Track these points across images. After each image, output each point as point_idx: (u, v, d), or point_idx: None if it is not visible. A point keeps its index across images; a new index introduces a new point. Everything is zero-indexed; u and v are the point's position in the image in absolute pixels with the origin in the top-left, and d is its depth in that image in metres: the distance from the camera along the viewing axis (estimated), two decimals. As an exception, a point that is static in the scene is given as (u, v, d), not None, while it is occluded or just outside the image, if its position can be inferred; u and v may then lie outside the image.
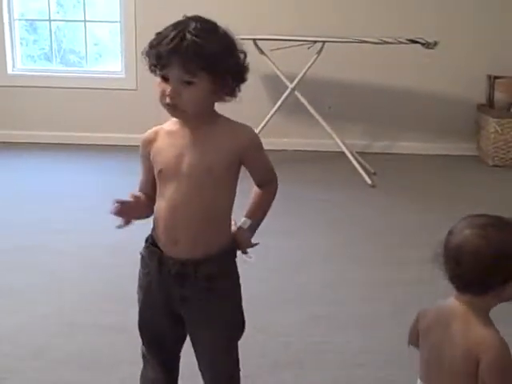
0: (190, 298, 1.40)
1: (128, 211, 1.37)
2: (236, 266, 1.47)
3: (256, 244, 1.48)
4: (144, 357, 1.53)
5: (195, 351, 1.48)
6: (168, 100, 1.31)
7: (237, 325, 1.48)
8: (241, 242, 1.45)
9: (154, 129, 1.44)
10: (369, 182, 4.03)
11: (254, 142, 1.41)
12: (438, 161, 4.74)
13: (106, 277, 2.66)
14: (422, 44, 3.91)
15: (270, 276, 2.68)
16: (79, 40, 5.13)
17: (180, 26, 1.30)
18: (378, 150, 4.92)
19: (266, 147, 1.45)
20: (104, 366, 2.02)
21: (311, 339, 2.21)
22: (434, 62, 4.60)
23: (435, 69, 4.75)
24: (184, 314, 1.44)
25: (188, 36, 1.27)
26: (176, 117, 1.38)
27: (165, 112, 1.38)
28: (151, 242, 1.43)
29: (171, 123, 1.42)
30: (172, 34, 1.28)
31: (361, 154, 4.42)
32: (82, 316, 2.35)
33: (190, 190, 1.36)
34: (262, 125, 4.13)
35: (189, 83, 1.30)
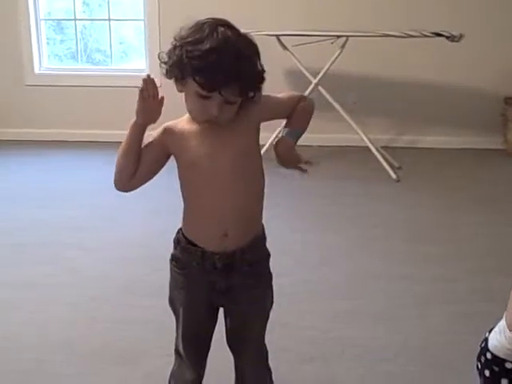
0: (236, 285, 1.42)
1: (151, 93, 1.33)
2: (267, 248, 1.49)
3: (306, 161, 1.44)
4: (180, 357, 1.55)
5: (237, 335, 1.51)
6: (213, 116, 1.30)
7: (271, 301, 1.53)
8: (284, 150, 1.41)
9: (172, 123, 1.41)
10: (393, 176, 4.01)
11: (264, 97, 1.39)
12: (464, 155, 4.69)
13: (129, 272, 2.69)
14: (447, 37, 3.86)
15: (294, 270, 2.68)
16: (105, 39, 5.18)
17: (227, 43, 1.26)
18: (403, 144, 4.88)
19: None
20: (128, 360, 2.05)
21: (334, 333, 2.22)
22: (459, 55, 4.54)
23: (461, 62, 4.69)
24: (227, 303, 1.46)
25: (244, 59, 1.27)
26: (208, 125, 1.36)
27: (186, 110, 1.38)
28: (187, 242, 1.43)
29: (186, 122, 1.39)
30: (228, 57, 1.25)
31: (386, 148, 4.39)
32: (107, 310, 2.38)
33: (233, 182, 1.37)
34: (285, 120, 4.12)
35: (231, 103, 1.31)
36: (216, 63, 1.24)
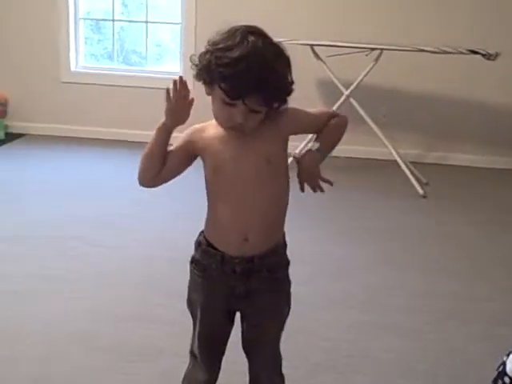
0: (254, 290, 1.43)
1: (182, 95, 1.35)
2: (287, 256, 1.50)
3: (326, 180, 1.43)
4: (194, 358, 1.56)
5: (252, 340, 1.52)
6: (237, 124, 1.32)
7: (288, 308, 1.53)
8: (310, 163, 1.42)
9: (200, 126, 1.43)
10: (420, 192, 3.99)
11: (295, 111, 1.41)
12: (492, 174, 4.65)
13: (150, 271, 2.72)
14: (483, 55, 3.83)
15: (312, 280, 2.69)
16: (141, 41, 5.25)
17: (256, 52, 1.27)
18: (432, 160, 4.86)
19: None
20: (145, 358, 2.07)
21: (349, 345, 2.22)
22: (492, 72, 4.51)
23: (493, 79, 4.66)
24: (244, 307, 1.47)
25: (270, 70, 1.27)
26: (232, 131, 1.37)
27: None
28: (208, 245, 1.44)
29: (214, 126, 1.41)
30: (255, 67, 1.26)
31: (414, 163, 4.38)
32: (126, 308, 2.41)
33: (254, 188, 1.38)
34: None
35: (256, 112, 1.32)
36: (242, 72, 1.25)
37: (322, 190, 1.44)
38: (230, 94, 1.28)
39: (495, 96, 4.74)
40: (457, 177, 4.56)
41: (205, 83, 1.35)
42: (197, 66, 1.35)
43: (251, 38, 1.28)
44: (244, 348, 1.55)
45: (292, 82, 1.35)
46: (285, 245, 1.50)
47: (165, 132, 1.40)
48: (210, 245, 1.44)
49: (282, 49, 1.34)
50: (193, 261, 1.48)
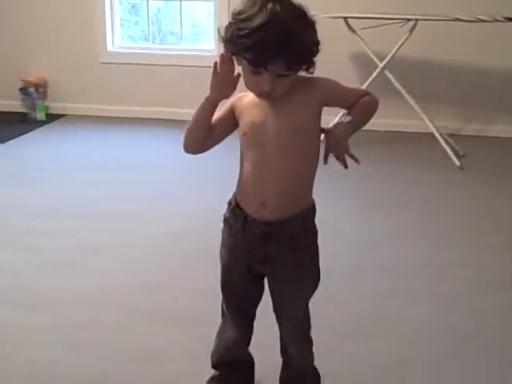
0: (273, 256, 1.46)
1: (227, 70, 1.40)
2: (315, 224, 1.51)
3: (353, 156, 1.44)
4: (223, 315, 1.63)
5: (275, 306, 1.56)
6: (265, 91, 1.36)
7: (314, 280, 1.55)
8: (339, 134, 1.42)
9: (245, 93, 1.48)
10: (457, 163, 3.95)
11: (329, 81, 1.44)
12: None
13: (193, 243, 2.79)
14: (520, 22, 3.76)
15: (345, 251, 2.71)
16: (177, 22, 5.28)
17: (274, 19, 1.29)
18: (470, 132, 4.79)
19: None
20: (183, 323, 2.15)
21: (381, 312, 2.24)
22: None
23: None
24: (266, 273, 1.51)
25: (290, 35, 1.29)
26: (263, 99, 1.42)
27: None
28: (236, 205, 1.49)
29: (253, 94, 1.45)
30: (274, 34, 1.28)
31: (451, 136, 4.32)
32: (164, 276, 2.49)
33: (276, 153, 1.41)
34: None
35: (284, 76, 1.35)
36: (261, 40, 1.29)
37: (345, 166, 1.44)
38: (253, 63, 1.33)
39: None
40: (495, 148, 4.48)
41: (233, 54, 1.39)
42: (223, 38, 1.39)
43: (269, 5, 1.31)
44: (274, 312, 1.59)
45: (317, 43, 1.36)
46: (312, 213, 1.50)
47: (210, 105, 1.45)
48: (237, 205, 1.48)
49: (303, 10, 1.36)
50: (224, 218, 1.53)
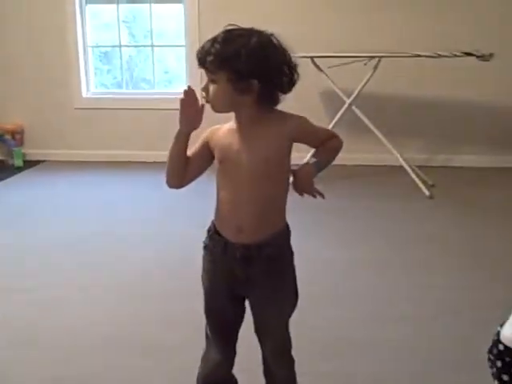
0: (253, 277, 1.53)
1: (191, 103, 1.50)
2: (291, 245, 1.59)
3: (319, 192, 1.54)
4: (208, 338, 1.68)
5: (257, 326, 1.62)
6: (203, 94, 1.49)
7: (292, 301, 1.62)
8: (305, 175, 1.53)
9: (219, 126, 1.58)
10: (427, 193, 4.08)
11: (302, 120, 1.53)
12: (496, 173, 4.73)
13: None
14: (477, 56, 3.94)
15: (320, 280, 2.79)
16: (150, 69, 5.42)
17: (219, 34, 1.47)
18: (438, 163, 4.95)
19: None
20: (167, 353, 2.20)
21: (359, 334, 2.32)
22: (490, 73, 4.62)
23: (494, 81, 4.76)
24: (248, 294, 1.58)
25: (215, 44, 1.44)
26: (214, 110, 1.51)
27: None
28: (214, 231, 1.57)
29: (230, 124, 1.56)
30: (207, 44, 1.46)
31: (420, 167, 4.47)
32: (149, 308, 2.55)
33: (250, 182, 1.50)
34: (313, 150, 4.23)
35: (213, 81, 1.47)
36: (207, 43, 1.46)
37: (314, 196, 1.55)
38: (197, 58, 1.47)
39: (498, 97, 4.84)
40: (463, 178, 4.64)
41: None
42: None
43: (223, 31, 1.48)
44: (255, 332, 1.66)
45: (244, 58, 1.43)
46: (286, 235, 1.58)
47: (183, 136, 1.54)
48: (216, 231, 1.56)
49: (250, 35, 1.46)
50: (204, 245, 1.60)
